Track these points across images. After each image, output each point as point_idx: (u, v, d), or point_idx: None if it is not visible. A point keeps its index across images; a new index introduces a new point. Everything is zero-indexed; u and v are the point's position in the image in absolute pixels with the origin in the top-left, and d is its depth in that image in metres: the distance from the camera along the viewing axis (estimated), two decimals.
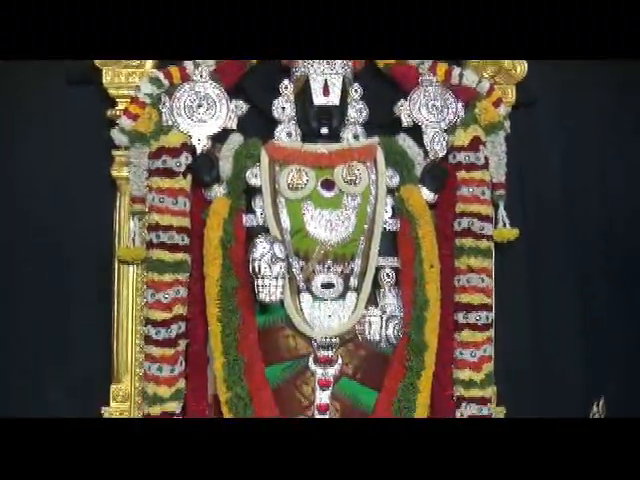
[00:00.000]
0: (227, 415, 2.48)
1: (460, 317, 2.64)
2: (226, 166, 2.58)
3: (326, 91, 2.57)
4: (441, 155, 2.70)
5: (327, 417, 2.48)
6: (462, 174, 2.67)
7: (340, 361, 2.50)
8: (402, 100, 2.72)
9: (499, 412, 2.81)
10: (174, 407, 2.53)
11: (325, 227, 2.52)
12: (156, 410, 2.51)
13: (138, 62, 2.65)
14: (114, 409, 2.71)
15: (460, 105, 2.70)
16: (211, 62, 2.62)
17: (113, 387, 2.72)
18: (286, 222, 2.52)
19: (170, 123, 2.58)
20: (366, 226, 2.56)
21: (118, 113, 2.64)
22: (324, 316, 2.50)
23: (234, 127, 2.64)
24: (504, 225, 2.75)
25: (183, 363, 2.56)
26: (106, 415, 2.70)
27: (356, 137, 2.67)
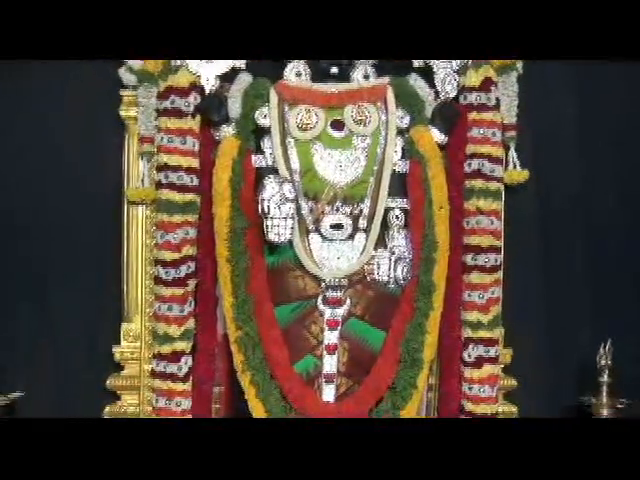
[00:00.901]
0: (237, 354, 2.51)
1: (469, 259, 2.64)
2: (235, 106, 2.56)
3: None
4: (452, 96, 2.67)
5: (335, 358, 2.51)
6: (473, 115, 2.64)
7: (349, 302, 2.52)
8: None
9: (506, 353, 2.84)
10: (184, 346, 2.55)
11: (334, 168, 2.51)
12: (166, 349, 2.54)
13: None
14: (125, 348, 2.75)
15: None
16: None
17: (124, 327, 2.75)
18: (295, 163, 2.51)
19: (179, 63, 2.55)
20: (376, 167, 2.55)
21: None
22: (333, 257, 2.50)
23: (243, 67, 2.61)
24: (514, 167, 2.73)
25: (192, 303, 2.57)
26: (117, 354, 2.74)
27: (366, 77, 2.64)
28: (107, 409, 2.76)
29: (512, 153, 2.72)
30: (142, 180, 2.64)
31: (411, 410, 2.57)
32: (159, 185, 2.56)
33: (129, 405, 2.76)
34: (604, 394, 2.75)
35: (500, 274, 2.69)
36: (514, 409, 2.90)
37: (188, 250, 2.54)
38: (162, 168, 2.54)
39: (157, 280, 2.55)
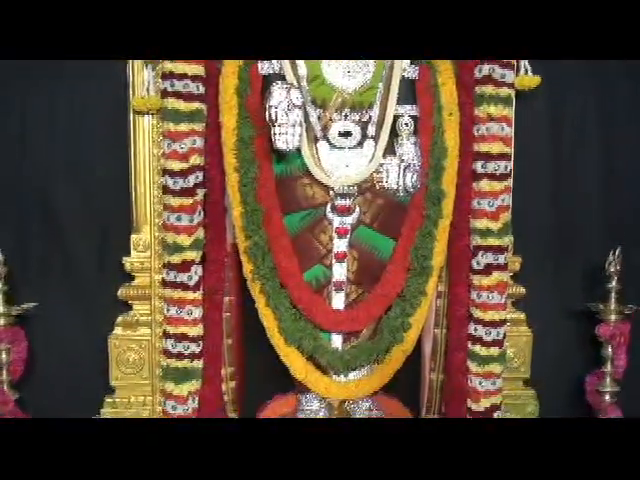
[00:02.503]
0: (246, 264, 2.52)
1: (479, 166, 2.61)
2: None
3: None
4: None
5: (344, 266, 2.52)
6: None
7: (358, 210, 2.51)
8: None
9: (515, 261, 2.84)
10: (194, 256, 2.55)
11: (343, 74, 2.47)
12: (176, 259, 2.54)
13: None
14: (135, 259, 2.76)
15: None
16: None
17: (133, 237, 2.76)
18: (303, 69, 2.46)
19: None
20: (384, 73, 2.50)
21: None
22: (341, 165, 2.48)
23: None
24: (526, 72, 2.67)
25: (202, 213, 2.57)
26: (127, 265, 2.76)
27: None
28: (119, 319, 2.81)
29: None
30: (147, 89, 2.61)
31: (420, 317, 2.60)
32: (164, 94, 2.51)
33: (141, 315, 2.79)
34: (612, 300, 2.77)
35: (510, 181, 2.66)
36: (522, 316, 2.93)
37: (196, 159, 2.52)
38: (167, 76, 2.49)
39: (165, 190, 2.54)
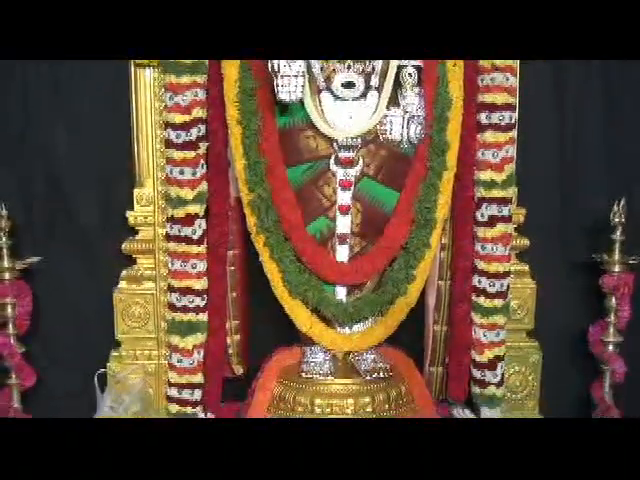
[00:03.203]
0: (250, 217, 2.52)
1: (483, 117, 2.59)
2: None
3: None
4: None
5: (348, 218, 2.52)
6: None
7: (361, 162, 2.49)
8: None
9: (519, 213, 2.84)
10: (197, 209, 2.55)
11: None
12: (179, 212, 2.54)
13: None
14: (139, 213, 2.76)
15: None
16: None
17: (136, 191, 2.75)
18: None
19: None
20: None
21: None
22: (345, 116, 2.46)
23: None
24: None
25: (204, 166, 2.55)
26: (131, 219, 2.75)
27: None
28: (124, 273, 2.81)
29: None
30: None
31: (424, 269, 2.60)
32: None
33: (145, 269, 2.80)
34: (616, 251, 2.76)
35: (514, 133, 2.64)
36: (526, 268, 2.93)
37: (198, 112, 2.50)
38: None
39: (168, 143, 2.53)
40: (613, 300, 2.78)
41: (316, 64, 2.44)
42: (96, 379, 2.75)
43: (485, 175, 2.63)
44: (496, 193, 2.64)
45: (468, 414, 2.83)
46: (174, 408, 2.67)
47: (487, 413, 2.81)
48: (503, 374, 2.80)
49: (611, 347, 2.82)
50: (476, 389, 2.80)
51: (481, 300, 2.71)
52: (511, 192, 2.67)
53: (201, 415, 2.62)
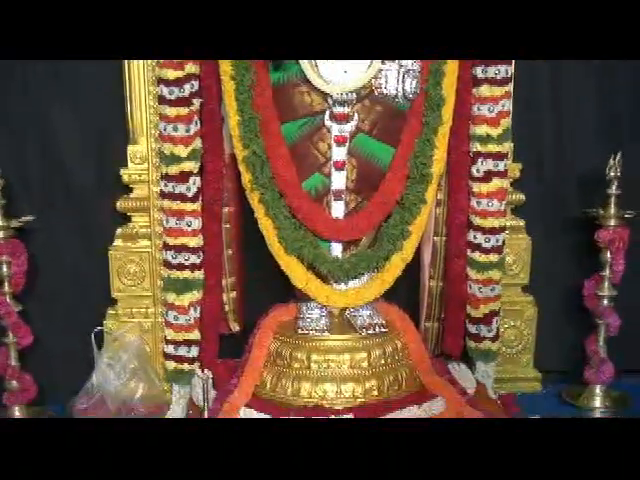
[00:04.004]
0: (245, 174, 2.51)
1: (479, 71, 2.57)
2: None
3: None
4: None
5: (343, 174, 2.50)
6: None
7: (356, 117, 2.47)
8: None
9: (514, 168, 2.83)
10: (192, 166, 2.53)
11: None
12: (174, 169, 2.52)
13: None
14: (132, 170, 2.74)
15: None
16: None
17: (130, 149, 2.73)
18: None
19: None
20: None
21: None
22: (340, 71, 2.43)
23: None
24: None
25: (198, 123, 2.53)
26: (125, 177, 2.74)
27: None
28: (119, 231, 2.81)
29: None
30: None
31: (419, 225, 2.60)
32: None
33: (140, 227, 2.79)
34: (612, 205, 2.76)
35: (511, 86, 2.63)
36: (521, 223, 2.93)
37: (191, 68, 2.47)
38: None
39: (161, 100, 2.50)
40: (608, 254, 2.79)
41: None
42: (93, 337, 2.76)
43: (481, 129, 2.62)
44: (492, 148, 2.63)
45: (463, 369, 2.85)
46: (171, 365, 2.68)
47: (482, 367, 2.84)
48: (498, 329, 2.82)
49: (606, 301, 2.83)
50: (471, 344, 2.82)
51: (476, 255, 2.72)
52: (507, 147, 2.67)
53: (198, 372, 2.63)
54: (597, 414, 2.84)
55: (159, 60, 2.46)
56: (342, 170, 2.51)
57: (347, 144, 2.49)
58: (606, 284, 2.82)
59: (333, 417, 2.39)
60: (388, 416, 2.42)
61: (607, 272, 2.81)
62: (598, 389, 2.87)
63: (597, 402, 2.87)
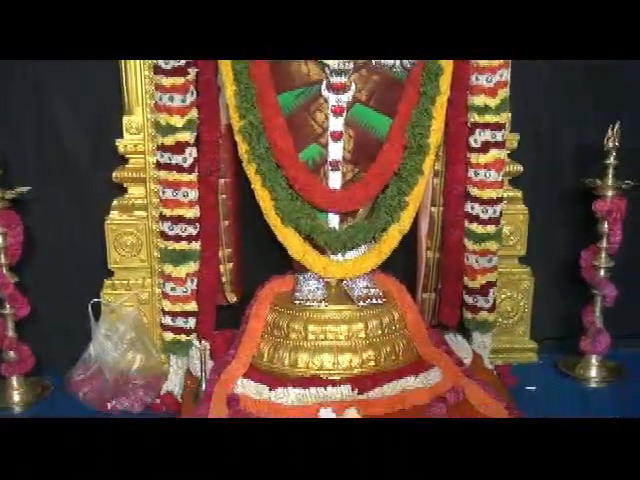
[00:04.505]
0: (241, 144, 2.50)
1: None
2: None
3: None
4: None
5: (340, 145, 2.49)
6: None
7: (353, 87, 2.46)
8: None
9: (512, 139, 2.82)
10: (188, 137, 2.52)
11: None
12: (170, 140, 2.51)
13: None
14: (128, 141, 2.73)
15: None
16: None
17: (126, 119, 2.71)
18: None
19: None
20: None
21: None
22: None
23: None
24: None
25: (194, 93, 2.52)
26: (121, 147, 2.72)
27: None
28: (115, 202, 2.79)
29: None
30: None
31: (417, 196, 2.59)
32: None
33: (136, 197, 2.78)
34: (610, 176, 2.75)
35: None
36: (519, 194, 2.92)
37: None
38: None
39: (156, 70, 2.48)
40: (605, 225, 2.78)
41: None
42: (90, 308, 2.76)
43: (479, 100, 2.60)
44: (489, 118, 2.62)
45: (460, 339, 2.86)
46: (168, 336, 2.69)
47: (479, 338, 2.85)
48: (495, 300, 2.82)
49: (602, 272, 2.83)
50: (468, 315, 2.83)
51: (474, 226, 2.71)
52: (504, 117, 2.66)
53: (196, 343, 2.63)
54: (593, 384, 2.86)
55: None
56: (339, 141, 2.50)
57: (344, 114, 2.48)
58: (603, 255, 2.82)
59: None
60: (385, 387, 2.43)
61: (604, 243, 2.80)
62: (594, 359, 2.89)
63: (593, 372, 2.88)
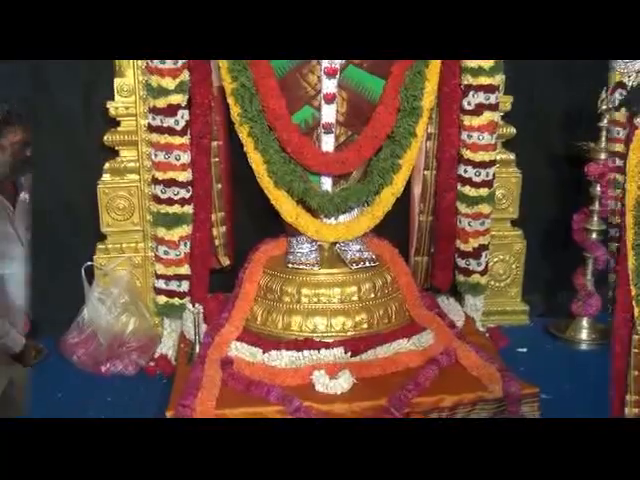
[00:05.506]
0: (233, 107, 2.47)
1: None
2: None
3: None
4: None
5: (334, 107, 2.47)
6: None
7: None
8: None
9: (505, 101, 2.81)
10: (180, 99, 2.51)
11: None
12: (161, 102, 2.50)
13: None
14: (119, 103, 2.70)
15: None
16: None
17: (117, 81, 2.69)
18: None
19: None
20: None
21: None
22: None
23: None
24: None
25: None
26: (112, 110, 2.70)
27: None
28: (107, 165, 2.78)
29: None
30: None
31: (410, 159, 2.58)
32: None
33: (128, 160, 2.76)
34: (603, 139, 2.75)
35: None
36: (512, 157, 2.92)
37: None
38: None
39: None
40: (598, 188, 2.79)
41: None
42: (83, 272, 2.75)
43: (472, 61, 2.58)
44: (483, 80, 2.61)
45: (452, 302, 2.88)
46: (162, 299, 2.70)
47: (471, 301, 2.86)
48: (487, 262, 2.84)
49: (594, 235, 2.84)
50: (460, 277, 2.84)
51: (466, 189, 2.72)
52: (498, 79, 2.64)
53: (189, 306, 2.63)
54: (583, 346, 2.88)
55: None
56: (332, 103, 2.48)
57: (337, 76, 2.46)
58: (595, 218, 2.83)
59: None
60: (378, 349, 2.44)
61: (596, 206, 2.81)
62: (585, 322, 2.91)
63: (584, 334, 2.91)
